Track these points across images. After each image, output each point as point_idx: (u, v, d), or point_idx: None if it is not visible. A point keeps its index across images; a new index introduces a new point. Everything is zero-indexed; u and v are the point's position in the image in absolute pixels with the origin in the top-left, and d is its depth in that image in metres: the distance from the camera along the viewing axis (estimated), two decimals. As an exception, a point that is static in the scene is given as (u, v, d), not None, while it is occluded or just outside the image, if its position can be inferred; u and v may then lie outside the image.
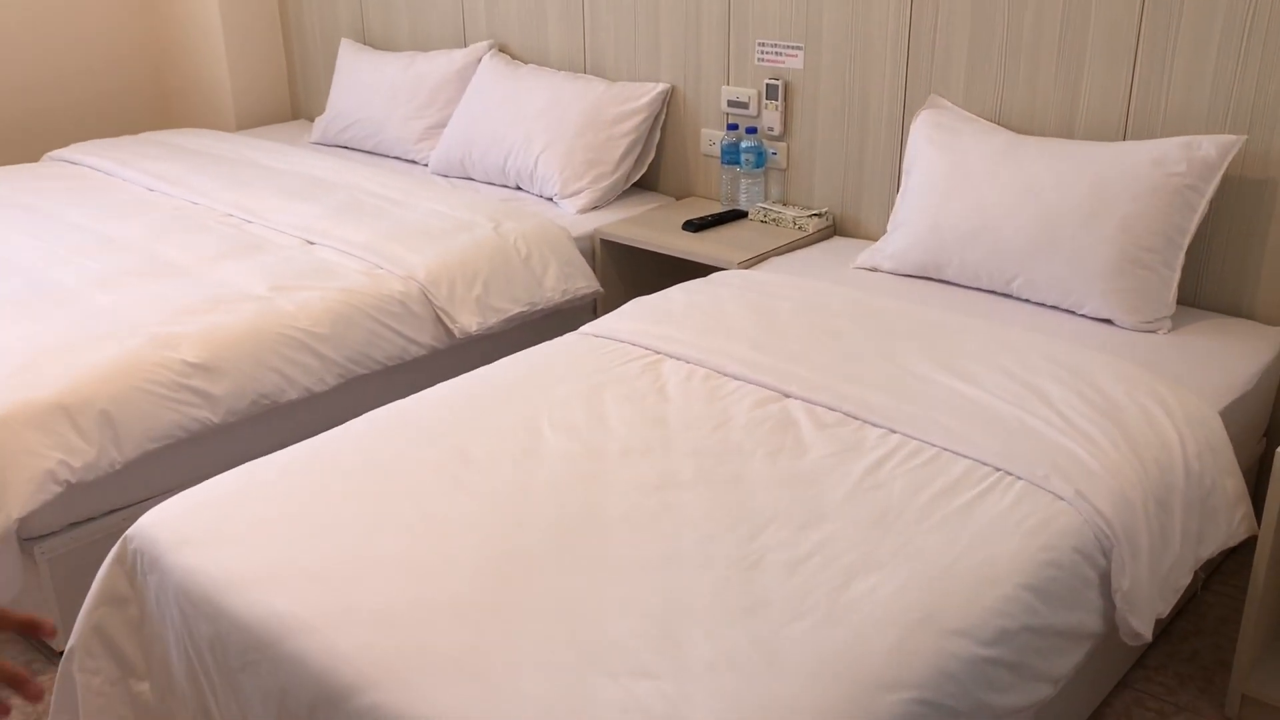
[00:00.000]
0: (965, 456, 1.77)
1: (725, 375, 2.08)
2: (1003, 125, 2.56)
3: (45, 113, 4.02)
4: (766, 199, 3.07)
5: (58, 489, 1.98)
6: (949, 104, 2.64)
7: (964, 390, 1.94)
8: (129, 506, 2.17)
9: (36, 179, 3.31)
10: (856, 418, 1.90)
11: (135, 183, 3.26)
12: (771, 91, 2.97)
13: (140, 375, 2.12)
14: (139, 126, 4.32)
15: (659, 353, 2.18)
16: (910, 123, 2.67)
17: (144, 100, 4.33)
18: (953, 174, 2.47)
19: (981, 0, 2.53)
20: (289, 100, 4.27)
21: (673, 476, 1.74)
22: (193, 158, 3.43)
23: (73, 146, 3.58)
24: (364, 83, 3.65)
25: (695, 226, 2.95)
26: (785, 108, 2.97)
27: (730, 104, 3.09)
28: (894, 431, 1.85)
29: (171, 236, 2.76)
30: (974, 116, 2.59)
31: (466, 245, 2.70)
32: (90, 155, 3.50)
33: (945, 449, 1.79)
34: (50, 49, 3.99)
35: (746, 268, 2.67)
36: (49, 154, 3.58)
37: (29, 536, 2.06)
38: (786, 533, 1.59)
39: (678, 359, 2.15)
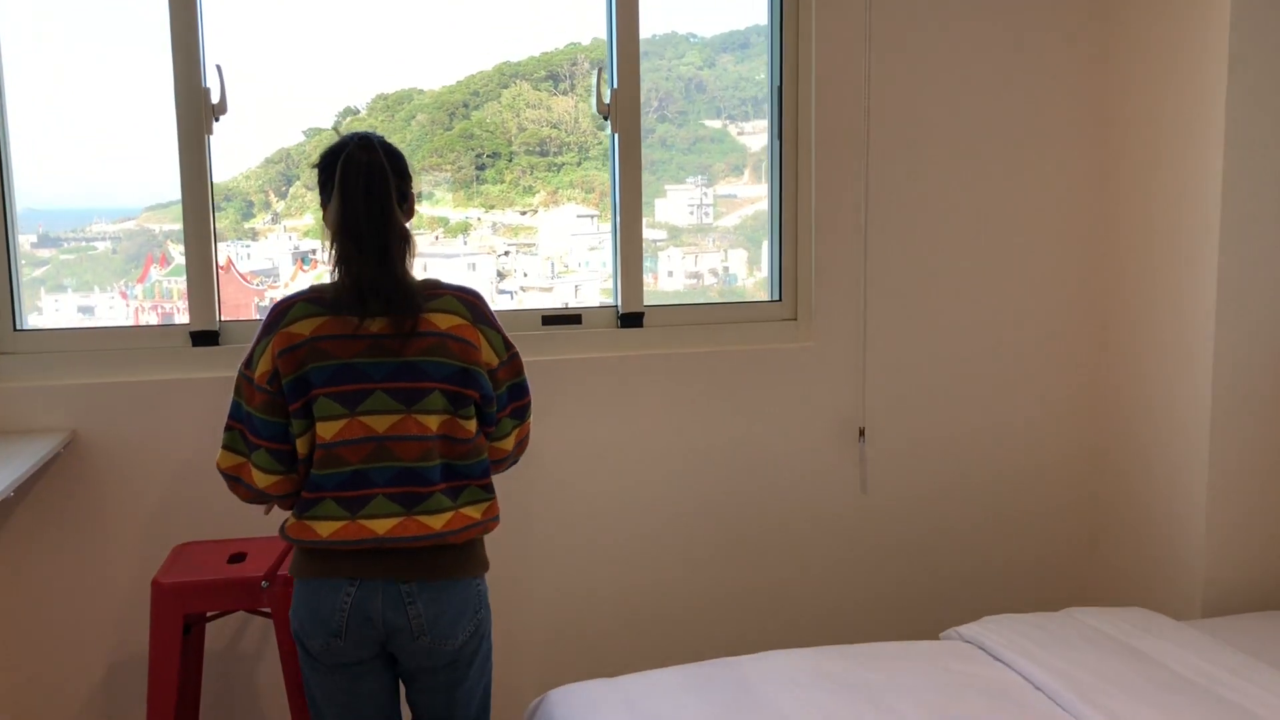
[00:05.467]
0: None
1: None
2: None
3: (960, 567, 3.40)
4: None
5: None
6: None
7: None
8: None
9: (931, 670, 2.52)
10: None
11: (1070, 710, 2.29)
12: None
13: None
14: (1063, 588, 3.51)
15: None
16: None
17: (1072, 553, 3.51)
18: None
19: None
20: (1288, 583, 3.06)
21: None
22: (1156, 687, 2.35)
23: (983, 622, 2.80)
24: None
25: None
26: None
27: None
28: None
29: None
30: None
31: None
32: (1001, 640, 2.65)
33: None
34: (980, 495, 3.40)
35: None
36: (950, 630, 2.83)
37: None
38: None
39: None
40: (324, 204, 2.00)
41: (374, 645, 2.01)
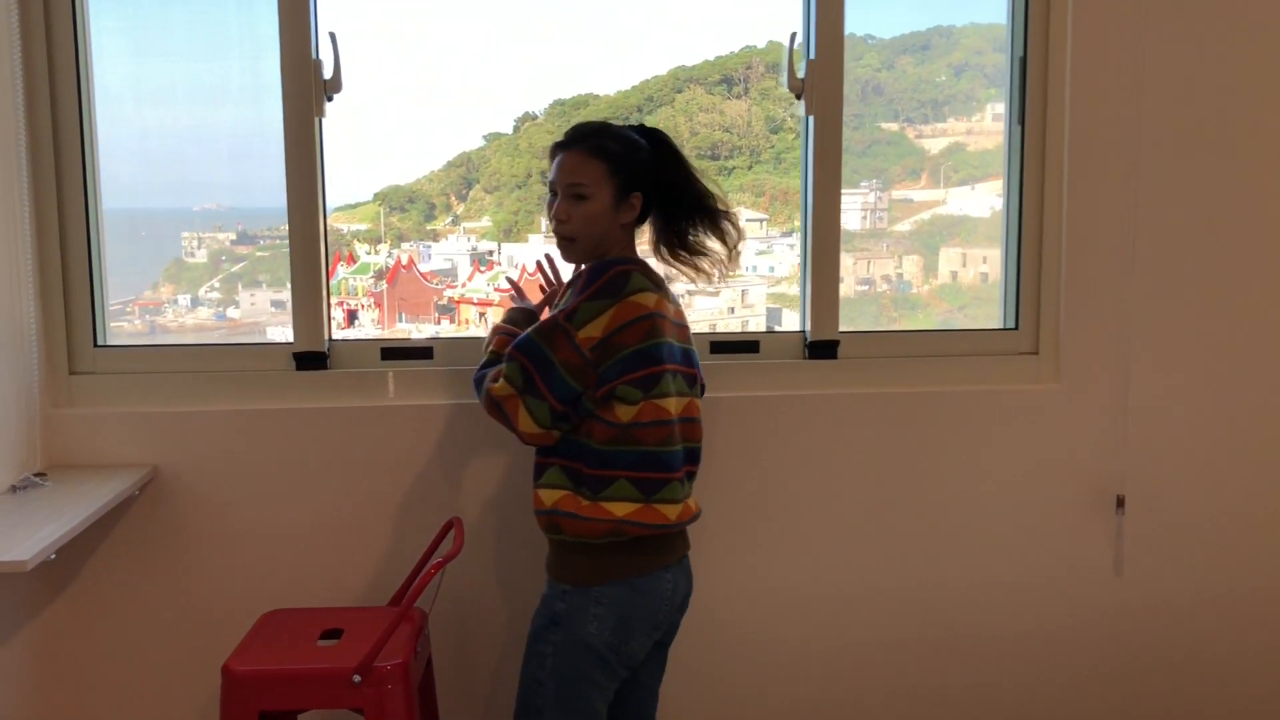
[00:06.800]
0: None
1: None
2: None
3: (1250, 685, 2.67)
4: None
5: None
6: None
7: None
8: None
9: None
10: None
11: None
12: None
13: None
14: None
15: None
16: None
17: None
18: None
19: None
20: None
21: None
22: None
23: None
24: None
25: None
26: None
27: None
28: None
29: None
30: None
31: None
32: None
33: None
34: (1276, 593, 2.65)
35: None
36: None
37: None
38: None
39: None
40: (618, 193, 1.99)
41: None
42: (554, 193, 1.99)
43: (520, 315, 2.12)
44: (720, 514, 2.48)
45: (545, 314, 2.17)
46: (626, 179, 1.98)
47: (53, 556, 1.86)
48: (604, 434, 1.89)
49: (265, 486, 2.40)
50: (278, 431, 2.39)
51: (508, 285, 2.27)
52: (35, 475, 2.23)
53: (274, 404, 2.41)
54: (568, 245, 1.98)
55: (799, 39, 2.50)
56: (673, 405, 1.93)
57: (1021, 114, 2.56)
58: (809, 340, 2.55)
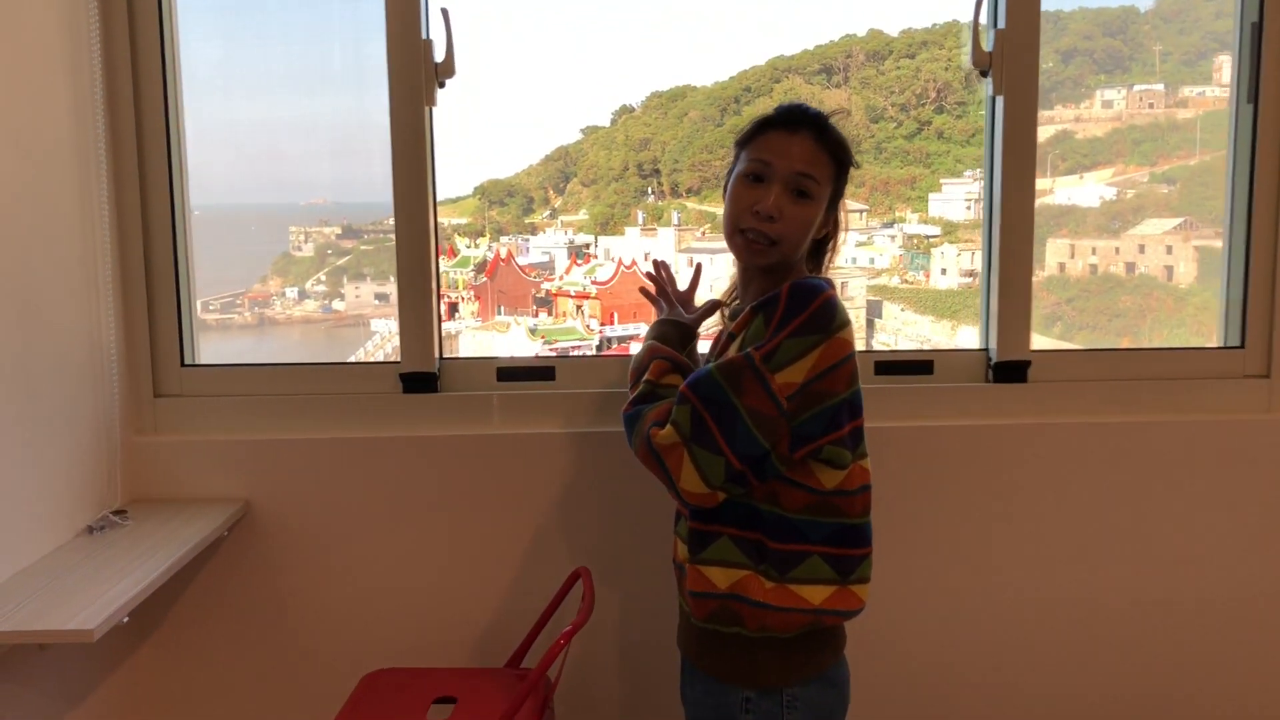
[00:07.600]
0: None
1: None
2: None
3: None
4: None
5: None
6: None
7: None
8: None
9: None
10: None
11: None
12: None
13: None
14: None
15: None
16: None
17: None
18: None
19: None
20: None
21: None
22: None
23: None
24: None
25: None
26: None
27: None
28: None
29: None
30: None
31: None
32: None
33: None
34: None
35: None
36: None
37: None
38: None
39: None
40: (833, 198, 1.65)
41: None
42: (758, 177, 1.55)
43: (674, 330, 1.73)
44: (889, 564, 2.12)
45: (689, 315, 1.80)
46: (839, 188, 1.61)
47: (125, 620, 1.60)
48: (799, 501, 1.51)
49: (368, 525, 2.12)
50: (383, 462, 2.11)
51: (648, 278, 1.84)
52: (114, 514, 1.98)
53: (379, 431, 2.13)
54: (762, 249, 1.55)
55: (984, 8, 2.13)
56: (869, 465, 1.57)
57: (1254, 90, 2.15)
58: (993, 360, 2.18)
